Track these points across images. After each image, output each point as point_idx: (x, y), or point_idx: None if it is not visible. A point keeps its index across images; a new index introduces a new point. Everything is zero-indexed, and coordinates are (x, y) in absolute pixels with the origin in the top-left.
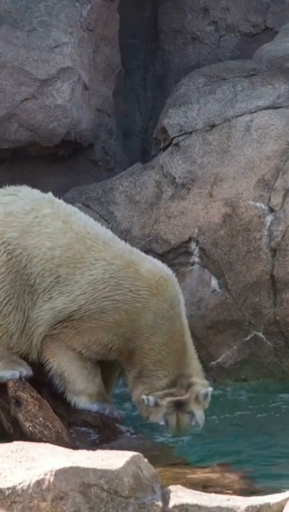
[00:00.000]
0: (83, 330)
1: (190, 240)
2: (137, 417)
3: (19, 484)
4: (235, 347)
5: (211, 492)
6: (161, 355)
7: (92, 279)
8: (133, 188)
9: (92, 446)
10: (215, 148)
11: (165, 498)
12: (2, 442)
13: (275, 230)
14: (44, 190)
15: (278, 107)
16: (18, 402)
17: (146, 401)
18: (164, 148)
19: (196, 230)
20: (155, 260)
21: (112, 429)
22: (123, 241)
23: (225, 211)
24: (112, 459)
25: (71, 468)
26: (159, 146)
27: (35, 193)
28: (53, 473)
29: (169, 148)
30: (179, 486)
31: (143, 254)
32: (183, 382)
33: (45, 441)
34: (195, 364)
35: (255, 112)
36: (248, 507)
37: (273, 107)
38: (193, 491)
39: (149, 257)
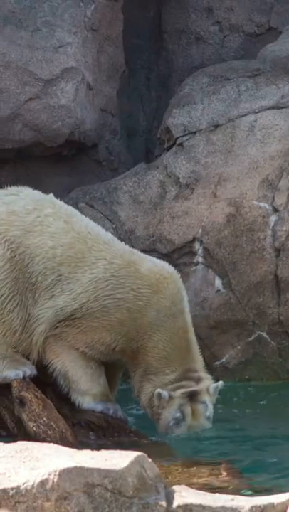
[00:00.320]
0: (86, 329)
1: (194, 240)
2: (141, 416)
3: (23, 484)
4: (239, 347)
5: (214, 492)
6: (166, 351)
7: (93, 277)
8: (137, 188)
9: (96, 446)
10: (219, 148)
11: (169, 498)
12: (6, 442)
13: (279, 230)
14: (48, 190)
15: (282, 107)
16: (22, 402)
17: (160, 395)
18: (168, 148)
19: (200, 230)
20: (155, 259)
21: (116, 429)
22: (123, 242)
23: (229, 211)
24: (116, 459)
25: (75, 468)
26: (163, 146)
27: (37, 193)
28: (57, 473)
29: (173, 148)
30: (183, 486)
31: (143, 254)
32: (192, 376)
33: (49, 441)
34: (200, 360)
35: (259, 112)
36: (252, 507)
37: (277, 107)
38: (197, 491)
39: (149, 257)
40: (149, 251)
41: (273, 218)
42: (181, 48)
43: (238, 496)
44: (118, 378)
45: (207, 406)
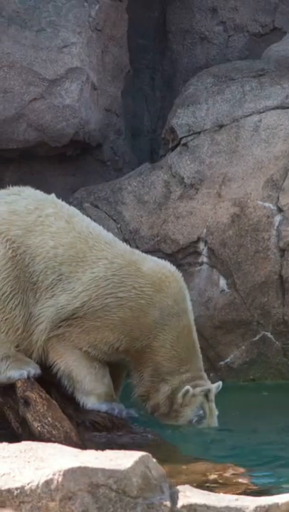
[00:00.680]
0: (88, 329)
1: (198, 240)
2: (145, 416)
3: (28, 484)
4: (243, 347)
5: (219, 492)
6: (175, 351)
7: (94, 276)
8: (141, 188)
9: (101, 446)
10: (223, 148)
11: (173, 498)
12: (11, 442)
13: (284, 230)
14: (53, 190)
15: (287, 107)
16: (27, 402)
17: (188, 392)
18: (173, 148)
19: (205, 230)
20: (156, 259)
21: (121, 429)
22: (124, 243)
23: (233, 211)
24: (120, 459)
25: (80, 468)
26: (168, 146)
27: (39, 193)
28: (62, 473)
29: (178, 148)
30: (187, 486)
31: (144, 254)
32: (202, 375)
33: (54, 441)
34: (201, 358)
35: (263, 112)
36: (257, 507)
37: (282, 107)
38: (202, 491)
39: (150, 257)
40: (153, 251)
41: (278, 218)
42: (186, 48)
43: (242, 496)
44: (122, 378)
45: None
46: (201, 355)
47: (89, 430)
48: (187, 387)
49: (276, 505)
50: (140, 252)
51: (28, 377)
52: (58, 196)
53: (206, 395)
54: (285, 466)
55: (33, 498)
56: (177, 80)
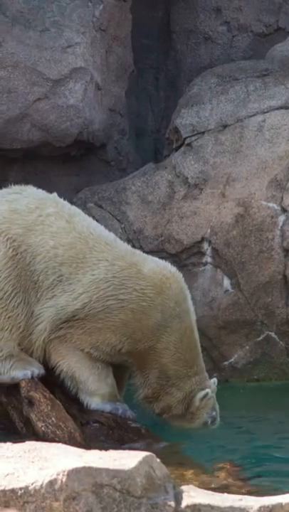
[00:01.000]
0: (90, 330)
1: (202, 240)
2: (150, 416)
3: (32, 484)
4: (247, 347)
5: (223, 492)
6: (180, 353)
7: (95, 278)
8: (145, 188)
9: (105, 446)
10: (227, 148)
11: (178, 498)
12: (15, 442)
13: (288, 230)
14: (56, 190)
15: None
16: (31, 402)
17: (207, 395)
18: (177, 149)
19: (209, 230)
20: (157, 259)
21: (125, 429)
22: (125, 243)
23: (237, 211)
24: (124, 459)
25: (84, 468)
26: (172, 146)
27: (40, 192)
28: (66, 473)
29: (182, 149)
30: (191, 486)
31: (144, 255)
32: (206, 375)
33: (58, 442)
34: (202, 357)
35: (267, 112)
36: (261, 507)
37: (286, 107)
38: (206, 491)
39: (151, 257)
40: (157, 251)
41: (282, 218)
42: (190, 48)
43: (246, 496)
44: (125, 379)
45: None
46: (201, 354)
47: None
48: (207, 390)
49: (280, 505)
50: (141, 253)
51: (32, 377)
52: (62, 196)
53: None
54: (287, 465)
55: (37, 498)
56: (181, 80)
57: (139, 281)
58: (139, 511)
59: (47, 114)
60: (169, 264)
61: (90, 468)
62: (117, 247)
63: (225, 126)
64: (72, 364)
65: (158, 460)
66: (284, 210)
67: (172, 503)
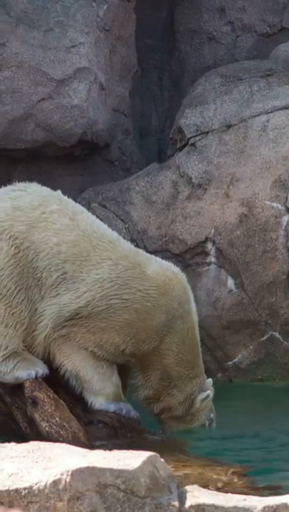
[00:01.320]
0: (94, 329)
1: (206, 240)
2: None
3: (36, 484)
4: (251, 347)
5: (227, 492)
6: (182, 354)
7: (99, 277)
8: (149, 188)
9: (109, 446)
10: (231, 148)
11: (182, 498)
12: (19, 442)
13: None
14: (61, 190)
15: None
16: (35, 402)
17: (208, 397)
18: (181, 149)
19: (213, 230)
20: (161, 260)
21: (129, 429)
22: (128, 242)
23: (241, 211)
24: (128, 459)
25: (88, 468)
26: (176, 146)
27: (44, 189)
28: (70, 473)
29: (186, 149)
30: (195, 486)
31: (148, 255)
32: (205, 377)
33: (62, 442)
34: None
35: (271, 112)
36: (265, 507)
37: None
38: (210, 491)
39: (154, 257)
40: (161, 251)
41: (286, 218)
42: (194, 48)
43: (250, 496)
44: (129, 379)
45: None
46: (201, 356)
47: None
48: (208, 392)
49: (284, 505)
50: (144, 252)
51: (36, 377)
52: (66, 196)
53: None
54: None
55: (41, 498)
56: (185, 80)
57: (143, 281)
58: (143, 511)
59: (51, 114)
60: (173, 264)
61: (94, 468)
62: (121, 246)
63: (229, 126)
64: (76, 363)
65: (162, 460)
66: (288, 210)
67: (176, 503)
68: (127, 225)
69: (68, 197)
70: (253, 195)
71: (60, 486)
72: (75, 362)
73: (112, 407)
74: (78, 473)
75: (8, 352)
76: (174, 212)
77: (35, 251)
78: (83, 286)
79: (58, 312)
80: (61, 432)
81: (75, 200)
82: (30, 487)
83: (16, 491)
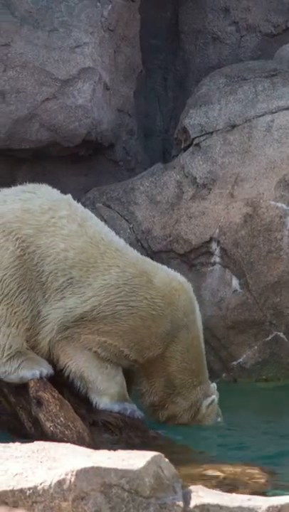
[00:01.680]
0: (98, 331)
1: (211, 240)
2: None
3: (40, 484)
4: (256, 347)
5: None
6: (186, 362)
7: (106, 283)
8: (154, 188)
9: (113, 446)
10: (236, 148)
11: (186, 498)
12: (23, 442)
13: None
14: (65, 190)
15: None
16: (39, 402)
17: (213, 401)
18: (185, 149)
19: (217, 230)
20: (167, 269)
21: (133, 429)
22: (135, 250)
23: (246, 211)
24: (133, 459)
25: (92, 468)
26: (180, 146)
27: (55, 193)
28: (74, 473)
29: (190, 149)
30: (200, 486)
31: (155, 263)
32: (209, 382)
33: (66, 442)
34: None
35: (276, 112)
36: (269, 507)
37: None
38: (215, 491)
39: (161, 266)
40: (166, 251)
41: None
42: (198, 48)
43: (255, 496)
44: (133, 382)
45: None
46: (206, 363)
47: (101, 430)
48: (213, 396)
49: None
50: (151, 261)
51: (41, 377)
52: (71, 196)
53: None
54: None
55: (45, 498)
56: (189, 80)
57: (150, 290)
58: (148, 511)
59: (55, 114)
60: (178, 274)
61: (98, 468)
62: (128, 254)
63: (233, 127)
64: (80, 364)
65: (166, 460)
66: None
67: (181, 503)
68: (131, 225)
69: (73, 197)
70: (258, 195)
71: (65, 486)
72: (79, 363)
73: (116, 407)
74: (83, 473)
75: (12, 351)
76: (178, 212)
77: (41, 255)
78: (90, 291)
79: (64, 317)
80: (66, 432)
81: (79, 200)
82: (35, 487)
83: (21, 491)
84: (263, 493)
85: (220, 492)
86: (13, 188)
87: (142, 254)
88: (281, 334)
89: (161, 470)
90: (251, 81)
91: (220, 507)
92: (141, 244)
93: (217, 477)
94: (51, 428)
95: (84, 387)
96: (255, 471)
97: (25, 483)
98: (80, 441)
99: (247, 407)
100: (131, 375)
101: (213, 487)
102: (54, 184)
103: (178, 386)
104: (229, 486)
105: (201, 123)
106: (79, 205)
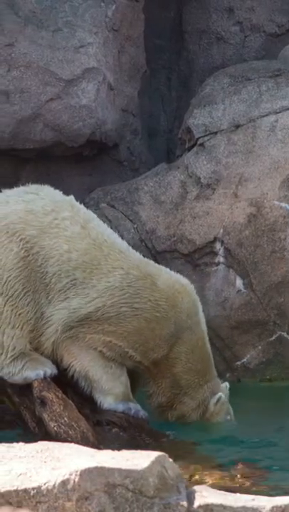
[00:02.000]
0: (102, 331)
1: (215, 240)
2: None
3: (44, 484)
4: (260, 347)
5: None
6: (191, 363)
7: (110, 285)
8: (158, 188)
9: (117, 446)
10: (240, 148)
11: (190, 498)
12: (27, 442)
13: None
14: (69, 190)
15: None
16: (43, 402)
17: (220, 399)
18: (189, 149)
19: (221, 230)
20: (170, 271)
21: (137, 429)
22: (138, 252)
23: (250, 211)
24: (137, 459)
25: (96, 468)
26: (184, 146)
27: (57, 194)
28: (78, 473)
29: (194, 149)
30: (203, 486)
31: (158, 266)
32: (218, 381)
33: (70, 441)
34: (213, 364)
35: (280, 112)
36: (273, 507)
37: None
38: (219, 491)
39: (164, 268)
40: (170, 251)
41: None
42: (202, 48)
43: (259, 496)
44: (139, 383)
45: None
46: (213, 362)
47: (105, 430)
48: (220, 394)
49: None
50: (154, 263)
51: (45, 377)
52: (75, 196)
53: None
54: None
55: (49, 498)
56: (194, 80)
57: (154, 292)
58: (152, 511)
59: (59, 114)
60: (181, 276)
61: (102, 468)
62: (131, 256)
63: (237, 127)
64: (85, 363)
65: (170, 460)
66: None
67: (185, 503)
68: (135, 225)
69: (77, 197)
70: (262, 195)
71: (69, 486)
72: (83, 362)
73: (120, 407)
74: (87, 473)
75: (16, 353)
76: (182, 212)
77: (45, 257)
78: (94, 293)
79: (68, 318)
80: (70, 432)
81: (83, 200)
82: (39, 487)
83: (25, 491)
84: (267, 493)
85: (224, 492)
86: (15, 189)
87: (146, 254)
88: (285, 334)
89: (166, 470)
90: (255, 81)
91: (224, 507)
92: (145, 244)
93: (221, 477)
94: (55, 428)
95: (88, 386)
96: (259, 471)
97: (29, 483)
98: (84, 441)
99: (251, 407)
100: (135, 376)
101: (217, 487)
102: (58, 184)
103: (184, 386)
104: (232, 485)
105: (205, 123)
106: (81, 206)
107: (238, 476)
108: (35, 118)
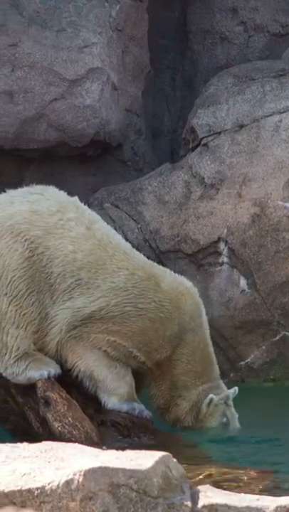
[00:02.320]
0: (107, 330)
1: (219, 240)
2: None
3: (48, 484)
4: (264, 347)
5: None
6: (191, 365)
7: (114, 286)
8: (162, 188)
9: (122, 446)
10: (244, 148)
11: (194, 498)
12: (31, 442)
13: None
14: (73, 190)
15: None
16: (47, 402)
17: (212, 401)
18: (193, 149)
19: (225, 230)
20: (173, 273)
21: (141, 429)
22: (141, 253)
23: (254, 211)
24: (141, 459)
25: (100, 468)
26: (188, 146)
27: (62, 195)
28: (82, 473)
29: (198, 149)
30: (208, 486)
31: (162, 267)
32: (219, 383)
33: (74, 442)
34: (217, 368)
35: (284, 112)
36: (278, 507)
37: None
38: (223, 491)
39: (168, 270)
40: (174, 251)
41: None
42: (206, 48)
43: (263, 496)
44: (143, 383)
45: None
46: (217, 364)
47: (109, 430)
48: (211, 395)
49: None
50: (158, 265)
51: (49, 377)
52: (79, 196)
53: (225, 401)
54: None
55: (53, 498)
56: (198, 80)
57: (158, 293)
58: (156, 511)
59: (63, 114)
60: (185, 279)
61: (106, 468)
62: (136, 257)
63: (241, 127)
64: (90, 363)
65: (174, 460)
66: None
67: (189, 503)
68: (139, 225)
69: (81, 197)
70: (266, 195)
71: (73, 486)
72: (88, 362)
73: (124, 407)
74: (91, 473)
75: (20, 353)
76: (186, 212)
77: (50, 257)
78: (98, 293)
79: (72, 317)
80: (74, 432)
81: (87, 200)
82: (43, 487)
83: (29, 491)
84: (271, 493)
85: (228, 492)
86: (19, 190)
87: (150, 254)
88: None
89: (170, 470)
90: (259, 81)
91: (228, 507)
92: (149, 244)
93: (225, 477)
94: (59, 428)
95: (93, 386)
96: (263, 471)
97: (33, 483)
98: (88, 441)
99: (254, 407)
100: (140, 376)
101: (221, 487)
102: (62, 184)
103: (180, 388)
104: (237, 486)
105: (209, 123)
106: (86, 207)
107: (243, 475)
108: (39, 118)
